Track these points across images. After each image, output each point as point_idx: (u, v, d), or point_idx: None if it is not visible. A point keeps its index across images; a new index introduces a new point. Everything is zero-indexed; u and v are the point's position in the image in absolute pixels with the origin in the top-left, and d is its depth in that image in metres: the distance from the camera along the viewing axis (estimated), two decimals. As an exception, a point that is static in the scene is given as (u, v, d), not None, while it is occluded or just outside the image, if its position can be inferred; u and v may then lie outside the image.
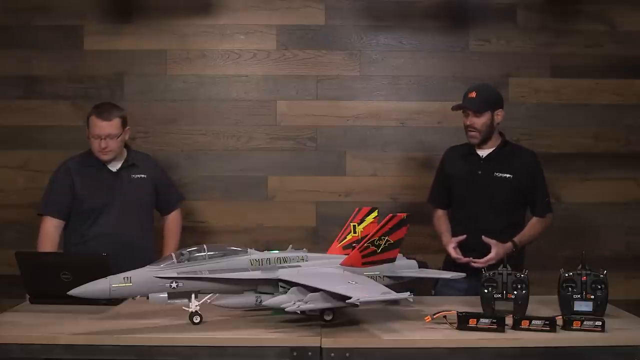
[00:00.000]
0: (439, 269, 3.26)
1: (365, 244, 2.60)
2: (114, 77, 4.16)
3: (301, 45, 4.18)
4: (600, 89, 4.20)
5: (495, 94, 3.36)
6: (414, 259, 2.86)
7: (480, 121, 3.27)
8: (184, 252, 2.47)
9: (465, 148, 3.42)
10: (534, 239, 3.38)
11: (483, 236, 3.20)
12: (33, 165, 4.12)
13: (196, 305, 2.46)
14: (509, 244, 3.23)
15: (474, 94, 3.28)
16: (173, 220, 3.69)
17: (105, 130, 3.33)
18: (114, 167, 3.45)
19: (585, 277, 2.55)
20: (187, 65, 4.17)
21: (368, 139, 4.20)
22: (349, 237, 2.79)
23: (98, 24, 4.14)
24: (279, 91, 4.19)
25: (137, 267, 2.41)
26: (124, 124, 3.41)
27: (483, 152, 3.36)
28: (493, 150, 3.35)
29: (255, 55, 4.19)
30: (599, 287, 2.54)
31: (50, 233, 3.38)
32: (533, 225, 3.37)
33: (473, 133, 3.30)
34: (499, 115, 3.32)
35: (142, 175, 3.50)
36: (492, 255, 3.14)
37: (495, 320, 2.38)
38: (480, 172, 3.34)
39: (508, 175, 3.31)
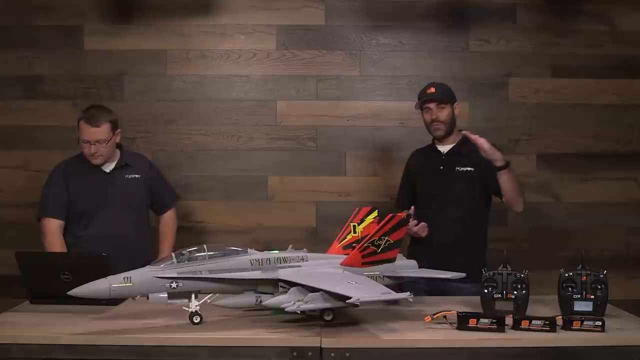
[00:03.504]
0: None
1: (365, 244, 2.60)
2: (114, 77, 4.16)
3: (301, 45, 4.18)
4: (600, 89, 4.20)
5: (449, 88, 3.48)
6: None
7: (443, 114, 3.39)
8: (184, 252, 2.46)
9: (427, 148, 3.55)
10: (516, 186, 3.26)
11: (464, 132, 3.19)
12: (33, 165, 4.12)
13: (196, 305, 2.46)
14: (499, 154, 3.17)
15: (432, 89, 3.41)
16: (167, 220, 3.67)
17: (94, 136, 3.31)
18: (107, 168, 3.44)
19: (585, 277, 2.55)
20: (187, 65, 4.17)
21: (368, 139, 4.20)
22: (349, 237, 2.79)
23: (98, 24, 4.14)
24: (279, 91, 4.19)
25: (134, 268, 2.40)
26: (114, 128, 3.38)
27: (444, 148, 3.45)
28: (453, 146, 3.45)
29: (255, 55, 4.19)
30: (599, 287, 2.54)
31: (57, 234, 3.37)
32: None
33: (438, 126, 3.40)
34: (456, 109, 3.45)
35: (136, 176, 3.49)
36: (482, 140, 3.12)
37: (495, 320, 2.38)
38: (442, 167, 3.42)
39: (469, 169, 3.38)
